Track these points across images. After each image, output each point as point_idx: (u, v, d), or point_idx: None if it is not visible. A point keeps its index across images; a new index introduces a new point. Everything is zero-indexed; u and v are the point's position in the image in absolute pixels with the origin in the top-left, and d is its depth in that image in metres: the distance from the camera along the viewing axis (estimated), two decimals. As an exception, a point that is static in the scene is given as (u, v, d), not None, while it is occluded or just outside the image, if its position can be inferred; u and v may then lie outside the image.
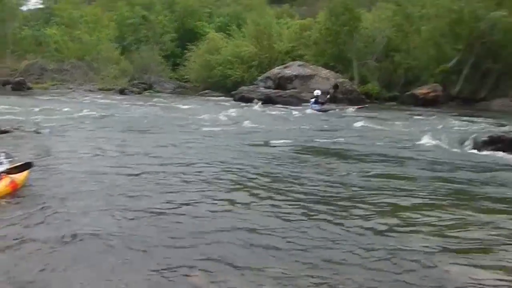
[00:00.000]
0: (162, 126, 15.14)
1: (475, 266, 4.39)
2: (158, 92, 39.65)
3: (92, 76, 42.30)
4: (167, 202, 6.11)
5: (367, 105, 25.76)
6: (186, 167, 8.37)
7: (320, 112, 21.90)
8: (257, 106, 24.75)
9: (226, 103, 27.52)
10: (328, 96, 24.75)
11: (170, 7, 53.98)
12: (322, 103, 23.25)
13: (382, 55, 34.75)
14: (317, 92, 23.58)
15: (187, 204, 6.07)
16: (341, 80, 30.89)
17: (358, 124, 16.58)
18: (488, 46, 30.23)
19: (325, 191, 6.96)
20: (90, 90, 37.34)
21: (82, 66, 43.50)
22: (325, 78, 30.67)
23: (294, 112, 21.69)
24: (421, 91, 30.10)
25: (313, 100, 23.38)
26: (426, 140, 12.31)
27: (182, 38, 49.56)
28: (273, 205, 6.15)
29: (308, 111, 22.45)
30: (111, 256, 4.44)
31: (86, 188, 6.68)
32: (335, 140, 12.54)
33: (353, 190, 7.00)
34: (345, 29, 34.27)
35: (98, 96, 31.17)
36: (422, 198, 6.66)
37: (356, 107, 24.18)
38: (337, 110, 23.03)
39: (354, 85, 31.63)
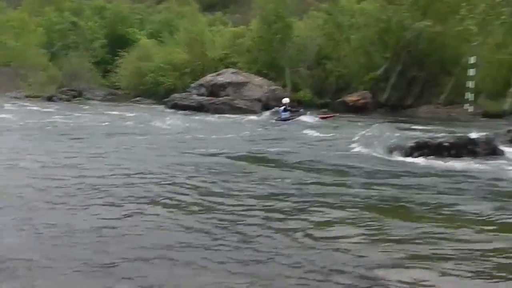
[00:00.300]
0: (89, 134, 14.77)
1: (407, 269, 4.46)
2: (88, 99, 38.75)
3: (18, 83, 40.85)
4: (82, 219, 5.84)
5: (336, 114, 25.28)
6: (109, 179, 8.10)
7: (288, 121, 22.05)
8: (194, 115, 24.57)
9: (158, 111, 27.22)
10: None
11: (100, 13, 53.04)
12: (292, 112, 23.34)
13: (314, 63, 35.33)
14: (285, 100, 23.66)
15: (104, 219, 5.86)
16: (273, 87, 31.15)
17: (294, 132, 16.72)
18: (414, 55, 31.28)
19: (257, 200, 6.94)
20: (16, 97, 36.06)
21: (8, 72, 41.94)
22: (258, 86, 30.86)
23: (229, 120, 21.70)
24: (351, 98, 30.76)
25: (282, 108, 23.44)
26: (356, 147, 12.53)
27: (113, 44, 48.75)
28: (201, 217, 6.03)
29: (272, 120, 22.62)
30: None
31: None
32: (271, 148, 12.57)
33: (284, 199, 6.99)
34: (277, 37, 34.61)
35: (25, 104, 30.15)
36: (353, 205, 6.74)
37: (321, 115, 24.22)
38: (301, 118, 23.12)
39: (286, 92, 31.96)
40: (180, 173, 8.68)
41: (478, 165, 10.52)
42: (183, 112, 26.10)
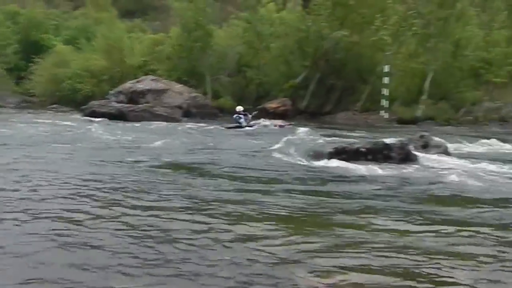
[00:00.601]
0: None
1: (322, 272, 4.53)
2: (0, 107, 37.20)
3: None
4: None
5: (292, 123, 25.13)
6: (14, 193, 7.72)
7: (248, 128, 22.13)
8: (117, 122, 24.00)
9: (75, 118, 26.46)
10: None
11: (13, 18, 51.10)
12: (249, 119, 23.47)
13: (235, 70, 35.54)
14: (239, 108, 23.77)
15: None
16: (194, 94, 31.05)
17: (218, 139, 16.68)
18: (332, 64, 32.09)
19: (179, 207, 6.87)
20: None
21: None
22: (178, 93, 30.67)
23: (151, 127, 21.38)
24: (271, 105, 31.14)
25: (242, 115, 23.34)
26: (277, 154, 12.67)
27: (27, 50, 47.09)
28: (109, 230, 5.81)
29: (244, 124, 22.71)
30: None
31: None
32: (195, 156, 12.49)
33: (203, 208, 6.94)
34: (197, 45, 34.54)
35: None
36: (273, 212, 6.78)
37: (279, 123, 24.21)
38: (260, 125, 23.16)
39: (207, 100, 31.96)
40: (92, 183, 8.39)
41: (392, 170, 10.88)
42: (101, 119, 25.49)
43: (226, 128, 22.41)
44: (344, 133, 21.09)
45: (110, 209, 6.51)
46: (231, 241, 5.35)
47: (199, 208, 6.79)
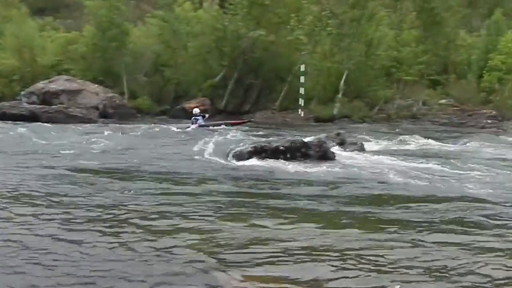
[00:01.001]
0: None
1: (248, 274, 4.53)
2: None
3: None
4: None
5: (248, 121, 25.03)
6: None
7: (204, 128, 21.99)
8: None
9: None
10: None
11: None
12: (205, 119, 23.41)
13: (152, 70, 35.02)
14: (196, 110, 23.71)
15: None
16: (110, 95, 30.38)
17: (141, 141, 16.29)
18: (249, 63, 32.29)
19: (91, 212, 6.68)
20: None
21: None
22: (94, 93, 29.90)
23: (66, 129, 20.65)
24: (190, 105, 30.92)
25: (199, 117, 23.15)
26: (197, 154, 12.61)
27: None
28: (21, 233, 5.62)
29: (192, 127, 22.44)
30: None
31: None
32: (116, 159, 12.17)
33: (121, 210, 6.79)
34: (112, 44, 33.77)
35: None
36: (191, 211, 6.74)
37: (232, 122, 24.05)
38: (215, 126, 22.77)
39: (124, 100, 31.35)
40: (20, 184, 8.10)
41: (311, 167, 11.08)
42: (12, 122, 24.37)
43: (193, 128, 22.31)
44: (263, 132, 21.26)
45: (13, 221, 6.22)
46: (148, 240, 5.27)
47: (113, 211, 6.63)
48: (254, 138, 17.28)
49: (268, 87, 32.87)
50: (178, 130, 21.75)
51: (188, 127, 22.51)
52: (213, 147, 13.47)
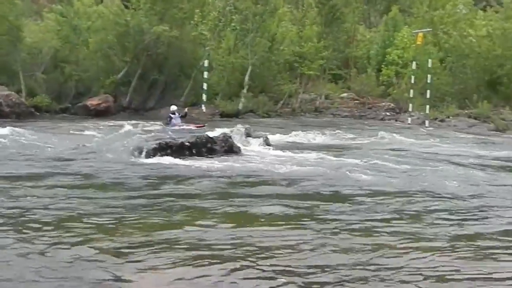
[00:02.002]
0: None
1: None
2: None
3: None
4: None
5: (205, 124, 22.83)
6: None
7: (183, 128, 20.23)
8: None
9: None
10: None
11: None
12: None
13: (51, 66, 33.62)
14: (173, 107, 21.97)
15: None
16: (6, 93, 28.89)
17: (48, 139, 15.49)
18: (153, 58, 31.76)
19: None
20: None
21: None
22: (-12, 91, 28.32)
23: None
24: (92, 102, 30.04)
25: (177, 114, 21.35)
26: (99, 152, 12.21)
27: None
28: None
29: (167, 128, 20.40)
30: None
31: None
32: (24, 164, 11.48)
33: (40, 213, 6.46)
34: (6, 39, 32.08)
35: None
36: (98, 211, 6.53)
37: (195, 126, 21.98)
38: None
39: (22, 98, 29.91)
40: None
41: (217, 163, 11.05)
42: None
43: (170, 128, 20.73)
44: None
45: None
46: (44, 245, 5.04)
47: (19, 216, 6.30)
48: (159, 134, 17.02)
49: (173, 83, 32.48)
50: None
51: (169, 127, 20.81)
52: (116, 144, 13.09)
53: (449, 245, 5.45)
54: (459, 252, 5.22)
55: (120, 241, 5.23)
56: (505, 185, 9.54)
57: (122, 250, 4.94)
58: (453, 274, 4.58)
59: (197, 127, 21.31)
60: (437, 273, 4.57)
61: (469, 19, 36.44)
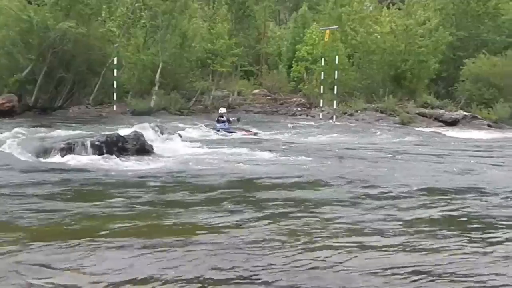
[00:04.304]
0: None
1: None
2: None
3: None
4: None
5: (258, 133, 21.44)
6: None
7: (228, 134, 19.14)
8: None
9: None
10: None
11: None
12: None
13: None
14: (222, 110, 20.94)
15: None
16: None
17: None
18: (60, 56, 30.69)
19: None
20: None
21: None
22: None
23: None
24: (-1, 101, 28.68)
25: (225, 118, 20.30)
26: (6, 153, 11.67)
27: None
28: None
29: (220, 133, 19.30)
30: None
31: None
32: None
33: None
34: None
35: None
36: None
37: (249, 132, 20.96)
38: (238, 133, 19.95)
39: None
40: None
41: (128, 162, 10.86)
42: None
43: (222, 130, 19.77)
44: (78, 127, 20.39)
45: None
46: None
47: None
48: (69, 134, 16.51)
49: (81, 81, 31.53)
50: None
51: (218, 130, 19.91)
52: (21, 143, 12.54)
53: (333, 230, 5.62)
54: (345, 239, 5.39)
55: (28, 247, 5.03)
56: (407, 170, 9.97)
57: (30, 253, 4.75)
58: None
59: (249, 133, 20.56)
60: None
61: (374, 16, 37.78)
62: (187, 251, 4.85)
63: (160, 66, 32.12)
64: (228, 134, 19.16)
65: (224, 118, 20.31)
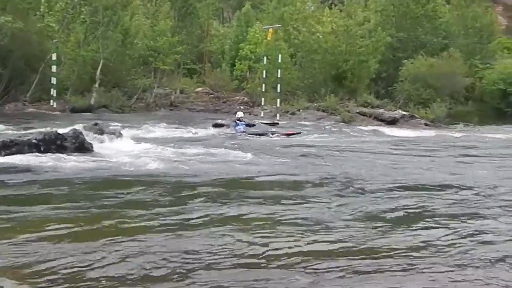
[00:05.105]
0: None
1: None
2: None
3: None
4: None
5: (299, 132, 21.10)
6: None
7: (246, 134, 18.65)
8: None
9: None
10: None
11: None
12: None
13: None
14: (240, 114, 20.39)
15: None
16: None
17: None
18: (-4, 51, 29.71)
19: None
20: None
21: None
22: None
23: None
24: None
25: (243, 122, 19.72)
26: None
27: None
28: None
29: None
30: None
31: None
32: None
33: None
34: None
35: None
36: None
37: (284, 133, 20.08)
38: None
39: None
40: None
41: (66, 160, 10.60)
42: None
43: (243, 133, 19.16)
44: (15, 125, 19.78)
45: None
46: None
47: None
48: (5, 132, 16.05)
49: (18, 77, 30.59)
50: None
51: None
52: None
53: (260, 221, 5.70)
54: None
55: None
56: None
57: None
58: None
59: (288, 134, 19.88)
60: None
61: (316, 16, 38.26)
62: (115, 250, 4.81)
63: (101, 63, 31.58)
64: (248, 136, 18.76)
65: (243, 123, 19.90)
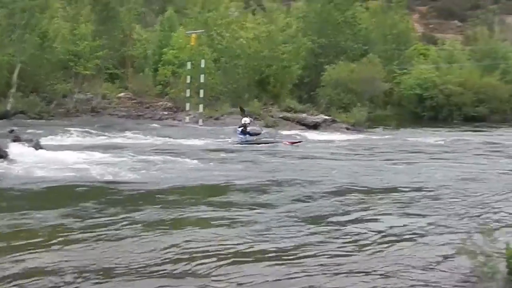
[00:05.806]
0: None
1: None
2: None
3: None
4: None
5: (301, 141, 20.36)
6: None
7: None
8: None
9: None
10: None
11: None
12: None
13: None
14: (245, 120, 19.20)
15: None
16: None
17: None
18: None
19: None
20: None
21: None
22: None
23: None
24: None
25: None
26: None
27: None
28: None
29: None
30: None
31: None
32: None
33: None
34: None
35: None
36: None
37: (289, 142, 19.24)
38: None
39: None
40: None
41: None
42: None
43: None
44: None
45: None
46: None
47: None
48: None
49: None
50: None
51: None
52: None
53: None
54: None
55: None
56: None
57: None
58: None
59: (292, 143, 19.41)
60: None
61: (240, 22, 38.50)
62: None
63: (18, 67, 30.45)
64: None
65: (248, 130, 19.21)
